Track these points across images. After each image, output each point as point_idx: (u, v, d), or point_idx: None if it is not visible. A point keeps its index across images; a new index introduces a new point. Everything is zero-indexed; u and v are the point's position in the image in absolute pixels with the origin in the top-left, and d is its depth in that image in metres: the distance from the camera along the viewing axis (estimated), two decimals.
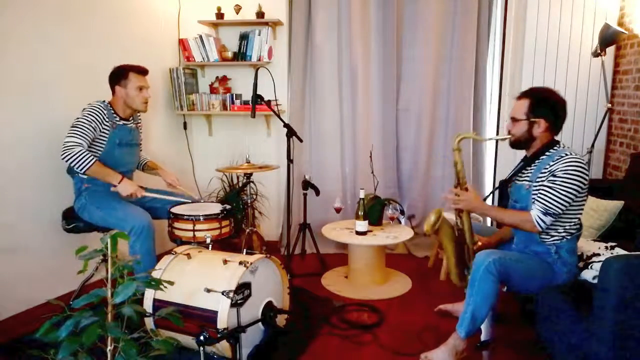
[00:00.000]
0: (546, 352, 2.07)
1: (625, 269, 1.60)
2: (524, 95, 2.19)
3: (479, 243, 2.44)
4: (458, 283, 2.45)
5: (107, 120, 2.64)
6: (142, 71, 2.74)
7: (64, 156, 2.45)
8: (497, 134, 3.84)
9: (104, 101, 2.69)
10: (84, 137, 2.52)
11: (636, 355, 1.62)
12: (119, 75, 2.69)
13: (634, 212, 2.53)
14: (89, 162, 2.47)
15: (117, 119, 2.72)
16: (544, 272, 2.15)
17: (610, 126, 3.42)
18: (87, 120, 2.55)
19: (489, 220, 3.83)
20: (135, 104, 2.72)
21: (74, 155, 2.44)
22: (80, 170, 2.48)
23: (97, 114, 2.59)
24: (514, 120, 2.20)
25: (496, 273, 2.02)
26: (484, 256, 2.08)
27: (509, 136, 2.23)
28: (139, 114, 2.92)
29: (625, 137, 3.21)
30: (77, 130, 2.51)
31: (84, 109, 2.60)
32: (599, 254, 2.22)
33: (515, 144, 2.24)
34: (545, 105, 2.13)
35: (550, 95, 2.15)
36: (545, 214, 2.07)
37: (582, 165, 2.05)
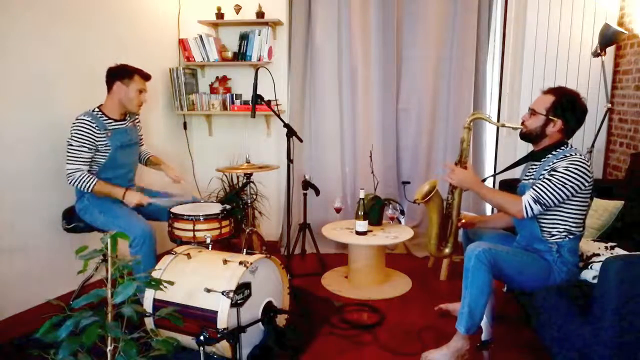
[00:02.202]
0: (546, 352, 2.07)
1: (625, 269, 1.60)
2: (550, 91, 2.19)
3: (463, 220, 2.54)
4: (434, 252, 2.55)
5: (99, 131, 2.60)
6: (147, 76, 2.76)
7: (69, 183, 2.57)
8: (497, 133, 3.86)
9: (92, 110, 2.64)
10: (81, 161, 2.56)
11: (636, 355, 1.62)
12: (123, 73, 2.66)
13: (634, 212, 2.52)
14: (91, 184, 2.56)
15: (111, 123, 2.68)
16: (540, 270, 2.15)
17: (610, 126, 3.42)
18: (78, 142, 2.55)
19: (488, 211, 3.84)
20: (131, 105, 2.70)
21: (76, 181, 2.55)
22: (87, 191, 2.57)
23: (86, 130, 2.56)
24: (532, 112, 2.20)
25: (487, 262, 2.04)
26: (474, 246, 2.10)
27: (522, 127, 2.24)
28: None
29: (625, 137, 3.21)
30: (72, 156, 2.55)
31: (73, 124, 2.56)
32: (599, 254, 2.22)
33: (525, 136, 2.24)
34: (568, 108, 2.13)
35: (575, 100, 2.14)
36: (536, 201, 2.07)
37: (584, 166, 2.05)
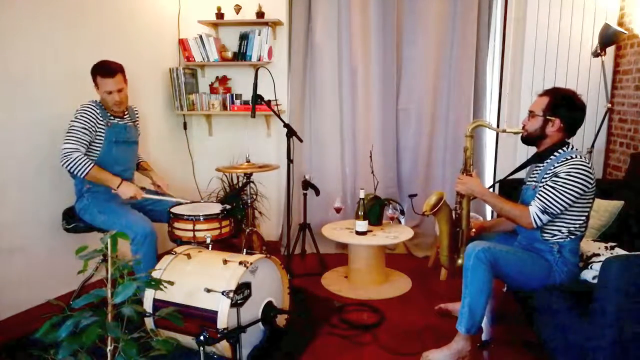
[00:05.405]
0: (546, 352, 2.07)
1: (625, 269, 1.59)
2: (546, 92, 2.21)
3: (474, 230, 2.51)
4: (446, 264, 2.51)
5: (101, 119, 2.61)
6: (107, 73, 2.56)
7: (62, 163, 2.49)
8: (497, 135, 3.85)
9: (95, 100, 2.66)
10: (81, 142, 2.52)
11: (636, 355, 1.62)
12: (92, 77, 2.62)
13: (634, 212, 2.52)
14: (87, 167, 2.49)
15: (111, 117, 2.69)
16: (540, 269, 2.15)
17: (610, 126, 3.42)
18: (81, 123, 2.53)
19: (488, 215, 3.84)
20: (109, 106, 2.66)
21: (72, 161, 2.47)
22: (80, 175, 2.50)
23: (91, 114, 2.56)
24: (531, 115, 2.21)
25: (486, 261, 2.05)
26: (473, 245, 2.11)
27: (522, 131, 2.25)
28: (135, 111, 2.91)
29: (625, 137, 3.21)
30: (73, 136, 2.51)
31: (77, 110, 2.58)
32: (599, 254, 2.22)
33: (527, 139, 2.26)
34: (564, 106, 2.14)
35: (571, 98, 2.15)
36: (543, 212, 2.08)
37: (586, 169, 2.05)
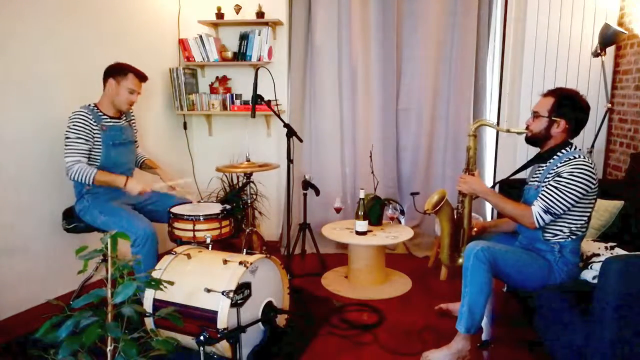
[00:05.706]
0: (546, 352, 2.07)
1: (625, 269, 1.59)
2: (550, 93, 2.20)
3: (475, 229, 2.50)
4: (447, 262, 2.51)
5: (95, 124, 2.61)
6: (142, 77, 2.73)
7: (69, 176, 2.54)
8: (497, 134, 3.85)
9: (89, 105, 2.65)
10: (80, 152, 2.54)
11: (636, 355, 1.62)
12: (118, 70, 2.66)
13: (634, 212, 2.52)
14: (91, 174, 2.52)
15: (106, 119, 2.69)
16: (539, 269, 2.15)
17: (610, 126, 3.41)
18: (75, 133, 2.54)
19: (488, 215, 3.85)
20: (119, 103, 2.68)
21: (75, 173, 2.51)
22: (88, 183, 2.53)
23: (83, 122, 2.56)
24: (536, 115, 2.21)
25: (486, 261, 2.05)
26: (472, 245, 2.11)
27: (526, 131, 2.25)
28: (130, 111, 2.91)
29: (625, 137, 3.21)
30: (70, 148, 2.53)
31: (70, 118, 2.57)
32: (599, 254, 2.22)
33: (531, 140, 2.25)
34: (569, 107, 2.14)
35: (575, 98, 2.15)
36: (546, 212, 2.08)
37: (589, 169, 2.05)
